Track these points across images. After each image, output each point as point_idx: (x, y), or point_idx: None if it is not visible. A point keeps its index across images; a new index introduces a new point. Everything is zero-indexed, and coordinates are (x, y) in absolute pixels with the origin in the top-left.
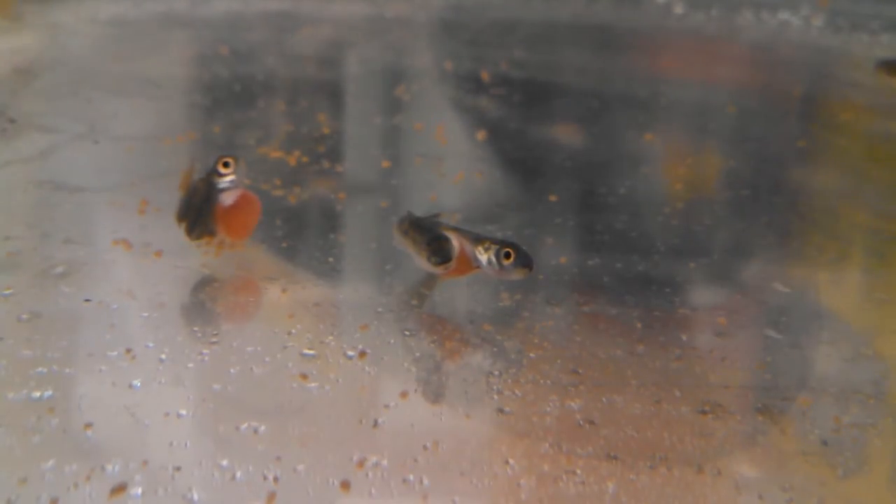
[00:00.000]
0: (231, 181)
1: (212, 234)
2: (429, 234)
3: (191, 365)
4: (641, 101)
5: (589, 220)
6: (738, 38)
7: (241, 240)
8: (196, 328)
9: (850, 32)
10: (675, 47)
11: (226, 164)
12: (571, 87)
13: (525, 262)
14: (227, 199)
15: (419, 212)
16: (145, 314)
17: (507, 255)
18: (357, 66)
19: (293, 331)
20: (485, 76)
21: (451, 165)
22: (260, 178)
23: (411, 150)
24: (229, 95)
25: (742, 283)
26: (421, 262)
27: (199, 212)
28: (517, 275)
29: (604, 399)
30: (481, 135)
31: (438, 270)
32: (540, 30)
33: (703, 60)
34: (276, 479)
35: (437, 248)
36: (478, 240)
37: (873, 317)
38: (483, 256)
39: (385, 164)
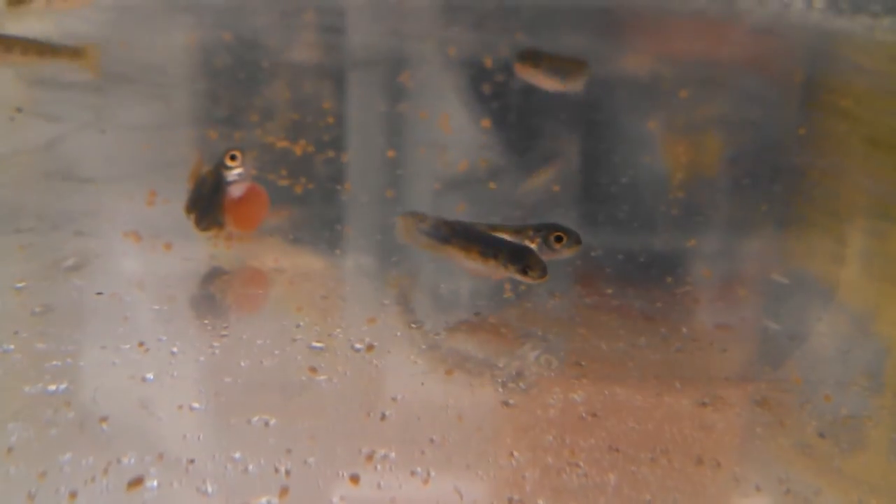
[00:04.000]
0: (238, 174)
1: (220, 225)
2: (507, 248)
3: (202, 358)
4: (644, 86)
5: (591, 210)
6: (740, 20)
7: (249, 231)
8: (206, 321)
9: (851, 15)
10: (677, 31)
11: (233, 157)
12: None
13: (576, 238)
14: (236, 191)
15: (423, 202)
16: (156, 307)
17: (559, 239)
18: (361, 53)
19: (301, 324)
20: (488, 62)
21: (456, 155)
22: (266, 168)
23: (416, 138)
24: (234, 82)
25: (743, 274)
26: (490, 273)
27: (207, 204)
28: (569, 253)
29: (606, 392)
30: (485, 123)
31: (535, 281)
32: (542, 13)
33: (706, 44)
34: (287, 473)
35: (536, 261)
36: (518, 231)
37: (873, 301)
38: (533, 245)
39: (390, 153)
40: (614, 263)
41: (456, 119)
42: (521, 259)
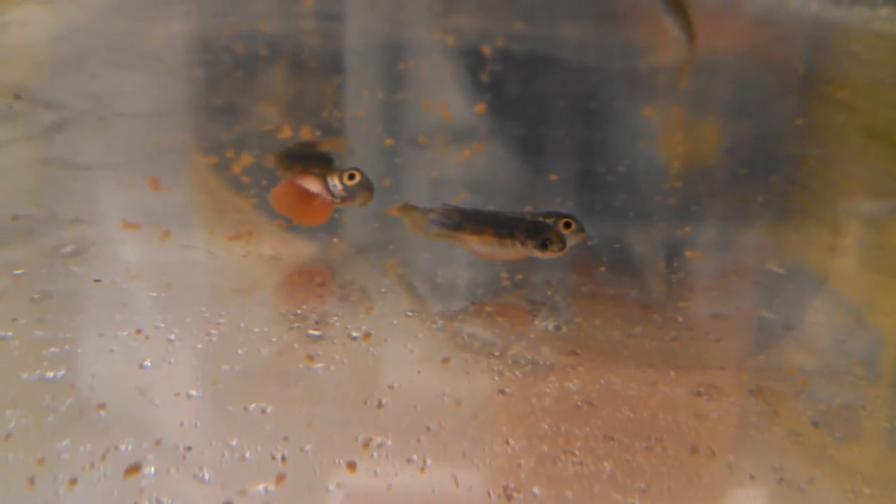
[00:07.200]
0: (342, 191)
1: (286, 171)
2: (522, 225)
3: (199, 345)
4: (641, 75)
5: (588, 200)
6: (740, 10)
7: (277, 208)
8: (204, 308)
9: (849, 6)
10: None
11: (351, 177)
12: (572, 61)
13: (581, 227)
14: (312, 186)
15: (421, 191)
16: (154, 294)
17: (568, 225)
18: (359, 40)
19: (299, 311)
20: (486, 51)
21: (454, 143)
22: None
23: (415, 127)
24: (232, 70)
25: (738, 264)
26: (504, 253)
27: (299, 157)
28: (575, 241)
29: (602, 380)
30: (480, 108)
31: (549, 256)
32: (540, 2)
33: (704, 33)
34: (284, 460)
35: (555, 235)
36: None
37: (869, 291)
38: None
39: (388, 141)
40: (611, 252)
41: (455, 107)
42: (538, 234)
